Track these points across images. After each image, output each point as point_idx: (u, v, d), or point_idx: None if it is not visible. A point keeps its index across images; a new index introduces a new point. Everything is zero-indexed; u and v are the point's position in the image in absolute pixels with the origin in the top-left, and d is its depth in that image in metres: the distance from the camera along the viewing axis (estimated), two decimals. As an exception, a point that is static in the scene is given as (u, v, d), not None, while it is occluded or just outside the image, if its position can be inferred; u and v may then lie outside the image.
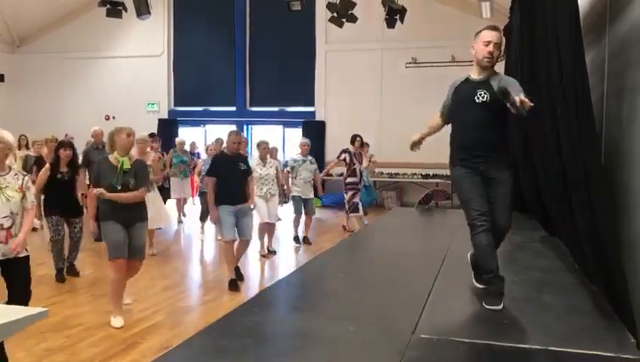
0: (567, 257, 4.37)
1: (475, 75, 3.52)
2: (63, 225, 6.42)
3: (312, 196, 9.00)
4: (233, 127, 15.19)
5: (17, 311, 2.54)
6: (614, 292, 2.95)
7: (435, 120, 3.78)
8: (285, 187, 8.83)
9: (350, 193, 9.47)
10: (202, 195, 8.93)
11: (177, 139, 11.30)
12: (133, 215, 4.95)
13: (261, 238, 8.07)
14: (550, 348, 2.59)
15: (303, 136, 14.45)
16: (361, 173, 9.71)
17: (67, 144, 6.47)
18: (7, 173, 3.88)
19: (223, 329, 2.98)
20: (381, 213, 11.47)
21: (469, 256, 3.77)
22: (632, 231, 2.97)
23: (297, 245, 8.90)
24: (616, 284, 2.87)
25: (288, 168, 8.89)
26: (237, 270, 6.48)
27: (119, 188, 4.82)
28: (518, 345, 2.64)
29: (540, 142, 4.85)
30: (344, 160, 9.54)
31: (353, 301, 3.53)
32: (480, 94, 3.36)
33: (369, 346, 2.68)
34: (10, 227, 3.79)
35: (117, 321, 4.88)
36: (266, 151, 7.92)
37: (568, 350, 2.58)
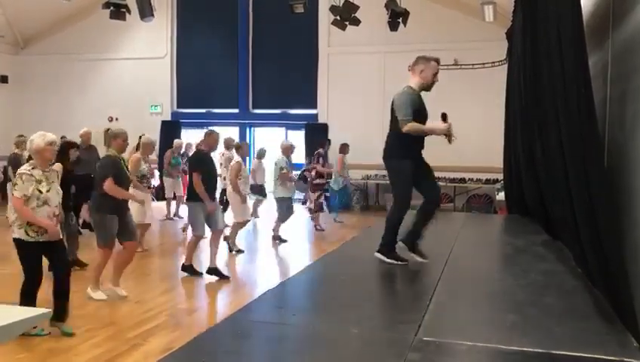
0: (569, 260, 4.36)
1: (418, 90, 4.46)
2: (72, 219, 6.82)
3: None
4: (236, 130, 15.26)
5: (21, 312, 2.55)
6: (617, 295, 2.95)
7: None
8: (282, 188, 9.11)
9: (317, 193, 10.35)
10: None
11: (176, 141, 11.69)
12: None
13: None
14: (552, 352, 2.59)
15: (306, 138, 14.54)
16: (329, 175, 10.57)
17: (75, 144, 6.74)
18: (51, 171, 4.67)
19: (225, 330, 2.99)
20: (382, 216, 11.46)
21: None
22: (634, 234, 2.97)
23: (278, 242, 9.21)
24: (618, 288, 2.87)
25: (284, 171, 9.07)
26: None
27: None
28: (521, 349, 2.64)
29: (543, 145, 4.85)
30: (317, 161, 10.38)
31: (355, 303, 3.53)
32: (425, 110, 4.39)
33: (371, 349, 2.68)
34: (58, 215, 4.66)
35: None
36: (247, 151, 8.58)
37: (570, 353, 2.58)
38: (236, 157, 8.31)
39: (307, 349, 2.73)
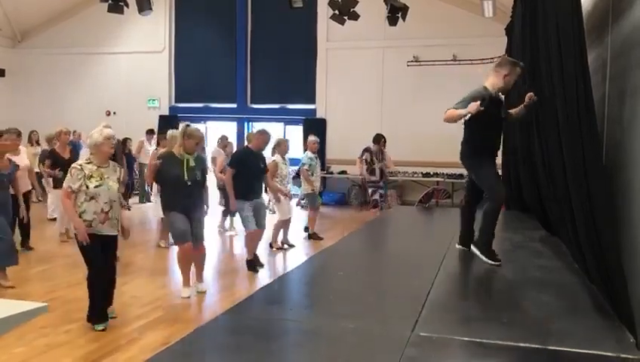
0: (566, 257, 4.37)
1: (493, 91, 4.24)
2: None
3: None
4: (234, 124, 15.25)
5: (17, 306, 2.54)
6: (614, 291, 2.95)
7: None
8: (306, 184, 8.90)
9: (371, 190, 10.05)
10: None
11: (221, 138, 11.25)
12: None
13: (277, 234, 8.29)
14: (549, 347, 2.59)
15: (304, 133, 14.51)
16: (382, 171, 9.99)
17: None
18: (108, 166, 4.68)
19: (222, 325, 2.99)
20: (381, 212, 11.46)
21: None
22: (632, 231, 2.97)
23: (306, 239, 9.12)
24: (615, 284, 2.88)
25: (306, 166, 8.87)
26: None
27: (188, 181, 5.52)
28: (518, 344, 2.64)
29: (542, 141, 4.85)
30: (365, 159, 9.88)
31: (353, 298, 3.54)
32: (503, 111, 4.38)
33: (368, 344, 2.68)
34: (108, 211, 4.61)
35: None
36: (287, 148, 8.13)
37: (567, 349, 2.58)
38: (274, 157, 8.03)
39: (304, 344, 2.73)
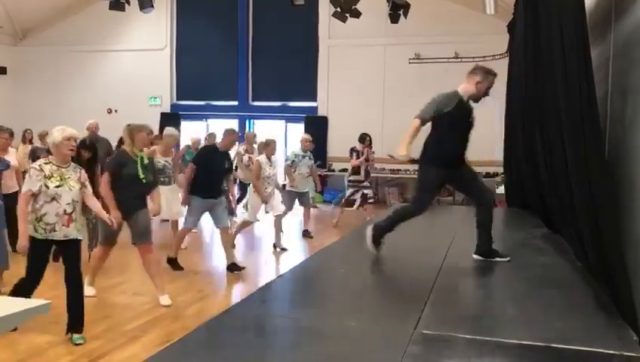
0: (569, 254, 4.36)
1: (464, 97, 4.21)
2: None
3: (307, 190, 9.15)
4: (235, 122, 15.23)
5: (19, 304, 2.54)
6: (617, 289, 2.94)
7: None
8: (288, 180, 8.90)
9: (352, 190, 9.94)
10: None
11: (192, 137, 11.22)
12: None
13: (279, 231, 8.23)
14: (552, 345, 2.59)
15: (306, 131, 14.51)
16: (367, 171, 10.01)
17: (88, 147, 6.66)
18: (69, 167, 4.42)
19: (223, 323, 2.98)
20: (383, 209, 11.46)
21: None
22: (634, 228, 2.96)
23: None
24: (618, 281, 2.87)
25: (289, 162, 8.92)
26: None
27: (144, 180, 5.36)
28: (520, 342, 2.63)
29: (544, 139, 4.84)
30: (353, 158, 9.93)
31: (355, 296, 3.53)
32: (472, 118, 4.27)
33: (371, 341, 2.68)
34: (72, 213, 4.36)
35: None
36: (274, 150, 8.06)
37: (570, 347, 2.58)
38: (260, 157, 8.03)
39: (305, 342, 2.73)
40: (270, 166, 7.90)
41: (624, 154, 3.21)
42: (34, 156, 8.91)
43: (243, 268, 6.72)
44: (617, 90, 3.44)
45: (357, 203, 10.06)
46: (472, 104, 4.27)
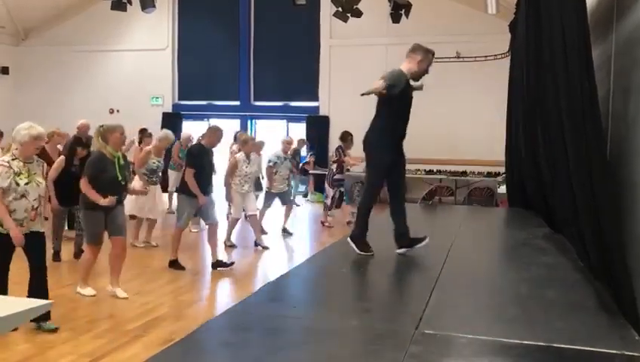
0: (570, 253, 4.35)
1: (408, 76, 4.30)
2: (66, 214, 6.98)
3: (287, 189, 9.35)
4: (237, 122, 15.25)
5: (22, 304, 2.54)
6: (619, 288, 2.94)
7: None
8: (268, 182, 9.10)
9: (337, 189, 10.08)
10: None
11: (184, 134, 11.46)
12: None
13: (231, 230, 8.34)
14: (554, 345, 2.58)
15: (307, 131, 14.53)
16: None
17: (84, 143, 6.73)
18: (33, 162, 4.46)
19: (225, 322, 2.98)
20: (384, 209, 11.46)
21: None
22: (637, 227, 2.96)
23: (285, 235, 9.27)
24: (620, 281, 2.86)
25: (271, 163, 9.03)
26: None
27: (122, 181, 5.41)
28: (522, 342, 2.63)
29: (545, 138, 4.83)
30: (338, 158, 10.07)
31: (356, 296, 3.53)
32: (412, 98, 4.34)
33: (372, 341, 2.67)
34: (37, 208, 4.46)
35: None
36: (253, 147, 8.21)
37: (572, 347, 2.57)
38: (239, 154, 8.13)
39: (307, 341, 2.73)
40: (248, 164, 7.94)
41: (626, 154, 3.21)
42: None
43: (231, 263, 6.85)
44: (619, 89, 3.43)
45: (335, 202, 10.22)
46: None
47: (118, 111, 15.64)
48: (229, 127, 13.23)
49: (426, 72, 4.36)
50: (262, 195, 9.30)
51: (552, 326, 2.83)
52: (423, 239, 4.33)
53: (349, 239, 4.40)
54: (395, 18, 11.74)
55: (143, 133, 10.65)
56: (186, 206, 6.69)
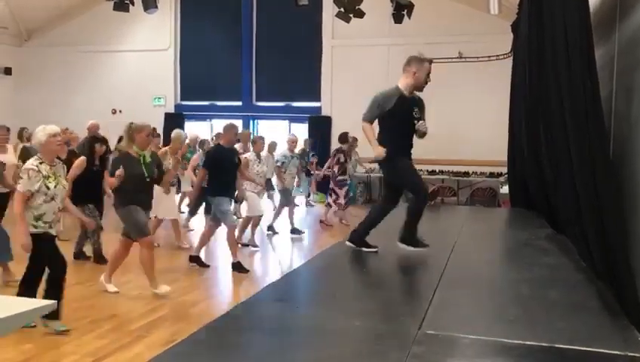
0: (573, 254, 4.35)
1: (406, 92, 4.37)
2: (96, 213, 6.87)
3: (293, 187, 9.58)
4: (239, 122, 15.23)
5: (25, 304, 2.55)
6: (622, 289, 2.93)
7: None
8: (278, 181, 9.21)
9: (345, 189, 10.17)
10: None
11: (190, 134, 11.35)
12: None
13: (243, 231, 8.32)
14: (556, 346, 2.58)
15: (309, 131, 14.53)
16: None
17: (101, 140, 6.71)
18: (57, 165, 4.57)
19: (228, 323, 2.99)
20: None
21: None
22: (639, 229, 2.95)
23: (271, 233, 9.26)
24: (623, 281, 2.86)
25: (279, 163, 9.12)
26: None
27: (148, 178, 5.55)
28: (524, 342, 2.63)
29: (548, 138, 4.83)
30: (338, 159, 10.16)
31: (358, 296, 3.53)
32: (415, 111, 4.38)
33: (375, 341, 2.68)
34: (62, 210, 4.63)
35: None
36: (262, 146, 8.29)
37: (574, 347, 2.57)
38: (249, 153, 8.13)
39: (310, 342, 2.73)
40: (259, 163, 7.96)
41: (629, 153, 3.20)
42: (27, 155, 8.94)
43: (247, 270, 6.77)
44: (622, 89, 3.43)
45: (344, 202, 10.30)
46: (419, 94, 4.46)
47: (120, 111, 15.65)
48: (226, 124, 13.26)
49: (425, 81, 4.39)
50: (276, 195, 9.35)
51: (554, 327, 2.83)
52: (425, 245, 4.41)
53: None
54: (398, 18, 11.74)
55: (152, 134, 10.59)
56: (222, 204, 6.66)
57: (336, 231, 9.56)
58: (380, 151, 4.27)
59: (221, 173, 6.65)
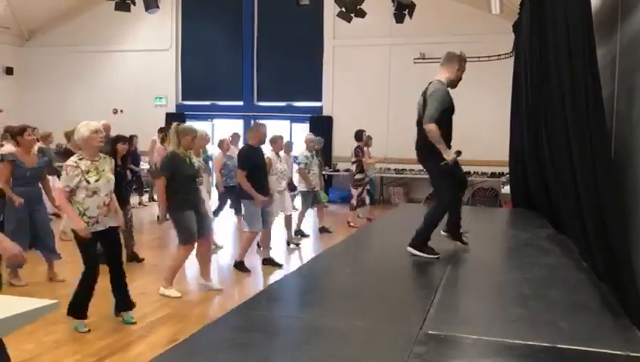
0: (574, 254, 4.35)
1: (447, 86, 4.42)
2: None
3: (317, 188, 9.33)
4: (240, 122, 15.25)
5: (28, 303, 2.55)
6: (623, 289, 2.94)
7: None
8: (304, 183, 9.03)
9: (360, 188, 9.96)
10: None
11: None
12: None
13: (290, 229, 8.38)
14: (558, 346, 2.58)
15: (311, 131, 14.52)
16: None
17: (124, 139, 6.68)
18: (100, 159, 4.61)
19: (230, 322, 2.99)
20: (388, 209, 11.46)
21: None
22: (641, 229, 2.95)
23: (299, 238, 9.04)
24: (625, 282, 2.86)
25: (302, 165, 9.03)
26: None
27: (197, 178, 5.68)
28: (526, 342, 2.63)
29: (550, 138, 4.83)
30: (359, 158, 9.97)
31: (360, 296, 3.54)
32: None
33: (376, 342, 2.68)
34: (108, 203, 4.62)
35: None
36: (282, 145, 8.11)
37: (576, 347, 2.57)
38: (270, 153, 7.88)
39: (312, 342, 2.73)
40: (280, 161, 7.89)
41: (631, 153, 3.20)
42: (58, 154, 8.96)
43: (248, 270, 6.75)
44: (624, 89, 3.43)
45: (367, 200, 10.20)
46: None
47: (121, 111, 15.67)
48: (233, 127, 13.29)
49: (460, 78, 4.47)
50: (298, 197, 9.24)
51: (556, 327, 2.84)
52: (435, 254, 4.40)
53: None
54: (399, 18, 11.74)
55: (164, 132, 10.57)
56: (252, 209, 6.56)
57: (337, 231, 9.53)
58: (451, 156, 4.26)
59: (256, 174, 6.51)
